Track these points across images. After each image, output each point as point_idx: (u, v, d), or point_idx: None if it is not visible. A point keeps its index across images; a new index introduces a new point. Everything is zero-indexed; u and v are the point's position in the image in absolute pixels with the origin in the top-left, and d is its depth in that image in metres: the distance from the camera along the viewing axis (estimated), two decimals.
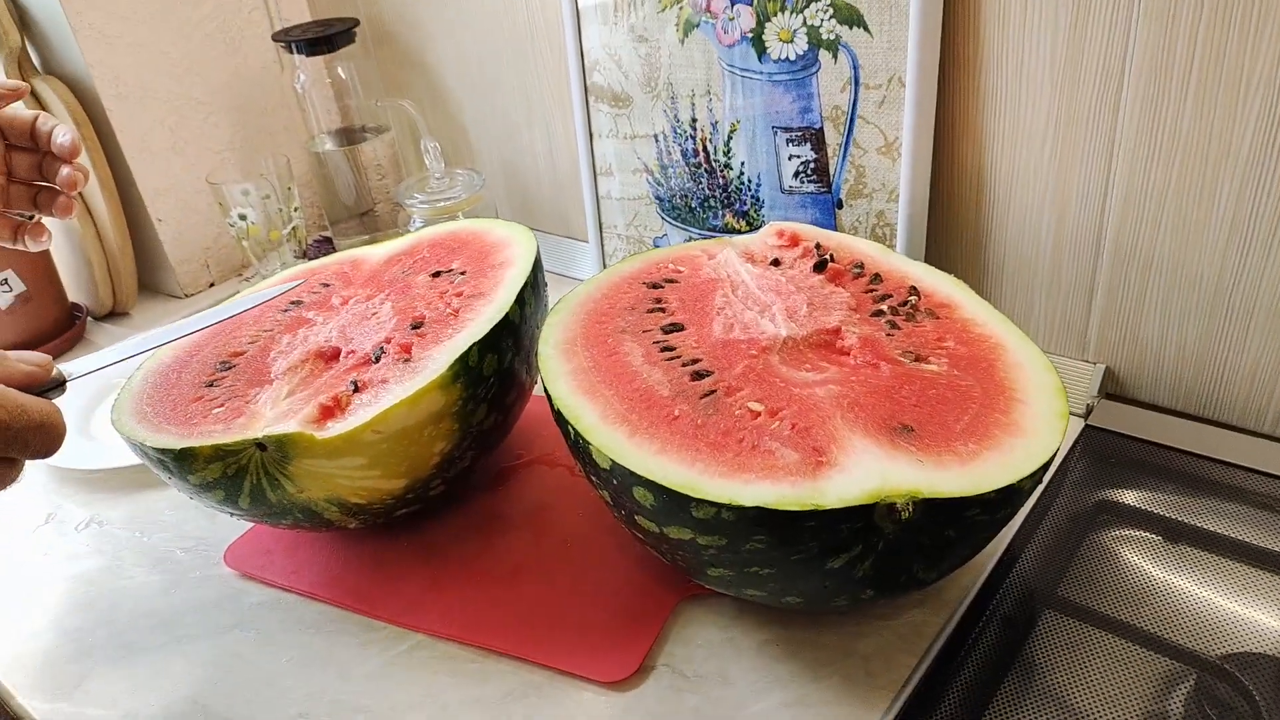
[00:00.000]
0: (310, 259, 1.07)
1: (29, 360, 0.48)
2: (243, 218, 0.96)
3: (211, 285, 1.08)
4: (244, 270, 1.09)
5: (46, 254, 0.97)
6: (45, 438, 0.46)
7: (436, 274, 0.67)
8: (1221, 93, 0.58)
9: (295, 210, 1.00)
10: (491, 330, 0.58)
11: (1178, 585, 0.56)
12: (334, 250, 1.08)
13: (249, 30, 1.05)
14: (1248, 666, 0.50)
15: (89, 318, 1.02)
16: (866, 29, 0.67)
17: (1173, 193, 0.62)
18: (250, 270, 1.05)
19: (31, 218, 0.65)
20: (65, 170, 0.62)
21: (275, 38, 0.98)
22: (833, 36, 0.69)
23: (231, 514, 0.59)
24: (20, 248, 0.66)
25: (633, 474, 0.47)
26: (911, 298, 0.60)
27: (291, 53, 0.97)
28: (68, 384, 0.51)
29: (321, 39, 0.96)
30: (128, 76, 0.96)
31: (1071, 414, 0.69)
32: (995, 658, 0.53)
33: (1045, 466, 0.47)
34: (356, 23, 0.99)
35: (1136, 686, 0.50)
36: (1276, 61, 0.55)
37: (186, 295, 1.06)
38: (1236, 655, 0.51)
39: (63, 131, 0.62)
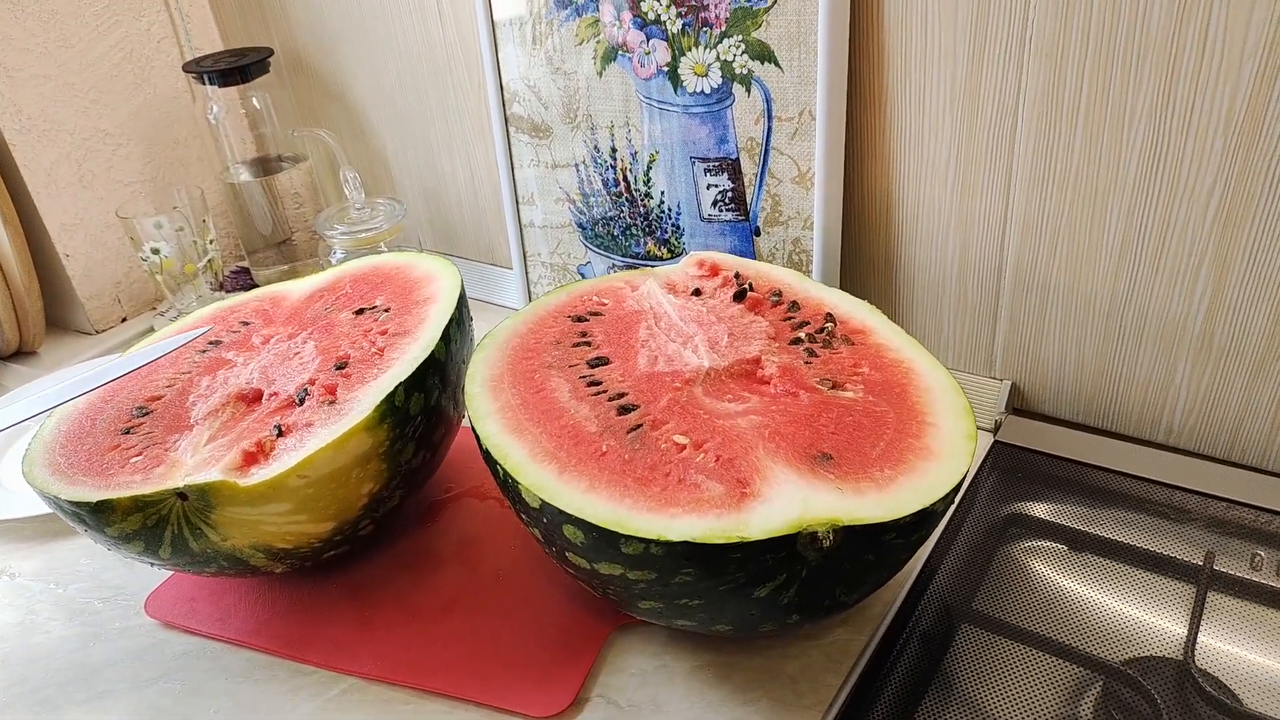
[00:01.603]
0: (227, 291, 1.05)
1: None
2: (155, 252, 0.94)
3: (124, 320, 1.05)
4: (158, 304, 1.07)
5: None
6: None
7: (360, 311, 0.67)
8: (1107, 126, 0.61)
9: (210, 242, 0.98)
10: (418, 369, 0.58)
11: (1083, 594, 0.59)
12: (251, 280, 1.06)
13: (158, 60, 1.03)
14: (1149, 670, 0.53)
15: None
16: (777, 64, 0.70)
17: (1066, 219, 0.66)
18: (165, 304, 1.03)
19: None
20: None
21: (186, 68, 0.96)
22: (745, 71, 0.71)
23: (152, 564, 0.58)
24: None
25: (562, 512, 0.48)
26: (828, 324, 0.62)
27: (204, 84, 0.95)
28: None
29: (235, 69, 0.94)
30: (31, 109, 0.93)
31: (981, 430, 0.73)
32: (917, 673, 0.55)
33: (957, 488, 0.50)
34: (271, 52, 0.98)
35: (1049, 694, 0.53)
36: (1156, 96, 0.59)
37: (98, 331, 1.03)
38: (1139, 660, 0.54)
39: None
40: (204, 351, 0.68)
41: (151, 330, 1.02)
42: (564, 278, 0.91)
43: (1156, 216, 0.62)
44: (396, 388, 0.57)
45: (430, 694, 0.56)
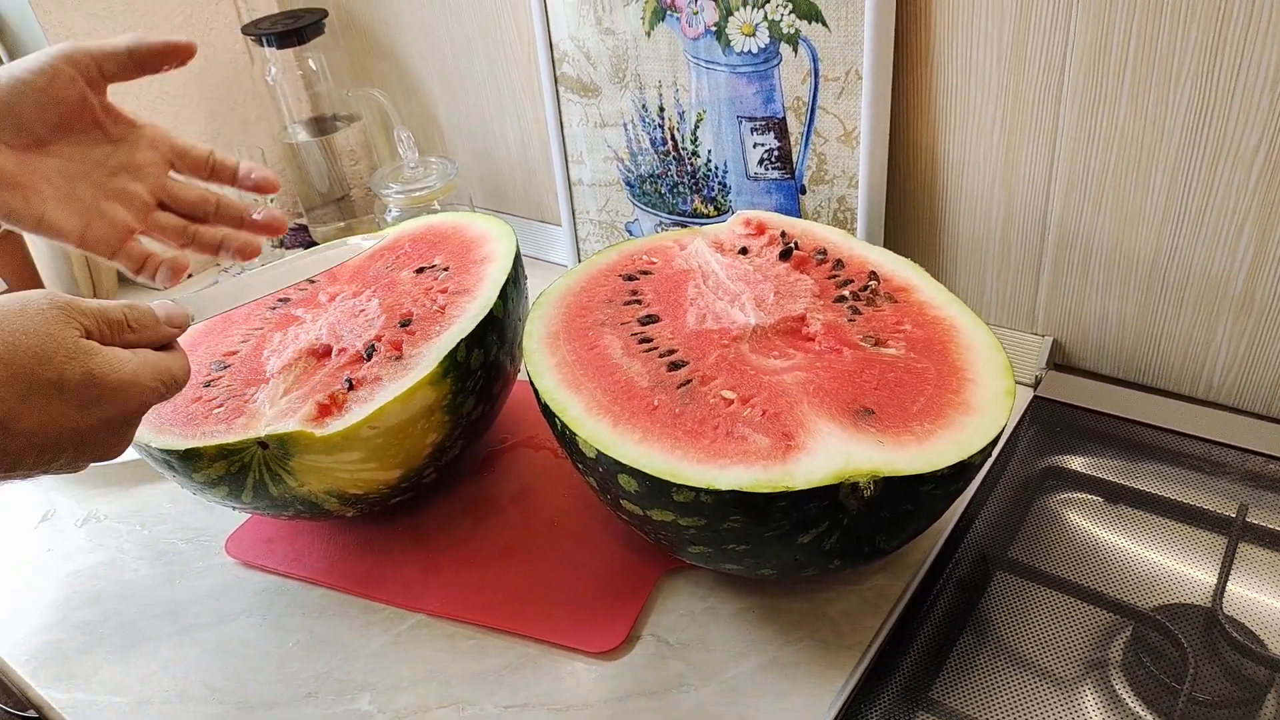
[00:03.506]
0: (287, 247, 1.09)
1: (175, 320, 0.49)
2: None
3: (190, 276, 1.09)
4: (220, 260, 1.11)
5: (25, 250, 0.98)
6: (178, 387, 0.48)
7: (420, 270, 0.70)
8: (1154, 84, 0.62)
9: (270, 200, 1.02)
10: (478, 326, 0.61)
11: (1116, 544, 0.61)
12: (310, 237, 1.10)
13: (216, 22, 1.05)
14: (1177, 616, 0.55)
15: None
16: (824, 24, 0.70)
17: (1111, 177, 0.66)
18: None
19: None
20: (261, 213, 0.65)
21: (245, 30, 0.99)
22: (793, 30, 0.72)
23: (234, 508, 0.62)
24: (143, 280, 0.65)
25: (617, 462, 0.51)
26: (872, 282, 0.64)
27: (262, 45, 0.98)
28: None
29: (291, 31, 0.97)
30: None
31: (1021, 385, 0.74)
32: (952, 616, 0.57)
33: (994, 442, 0.52)
34: (325, 13, 1.00)
35: (1079, 638, 0.55)
36: (1203, 53, 0.59)
37: (165, 287, 1.07)
38: (1168, 606, 0.56)
39: (250, 166, 0.63)
40: (273, 308, 0.71)
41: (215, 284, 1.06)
42: (612, 235, 0.93)
43: (1201, 175, 0.63)
44: (458, 344, 0.60)
45: (493, 630, 0.60)
